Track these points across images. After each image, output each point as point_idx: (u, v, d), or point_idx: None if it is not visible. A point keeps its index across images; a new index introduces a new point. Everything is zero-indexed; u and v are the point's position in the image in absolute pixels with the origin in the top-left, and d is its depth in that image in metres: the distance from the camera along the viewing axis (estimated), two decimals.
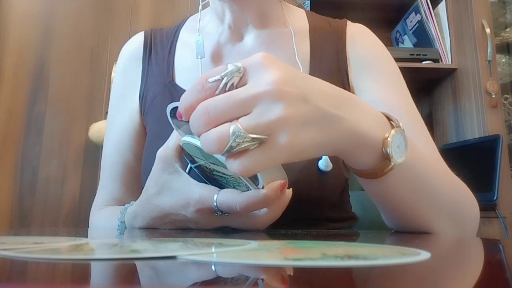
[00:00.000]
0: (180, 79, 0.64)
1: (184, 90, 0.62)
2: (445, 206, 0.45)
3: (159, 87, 0.64)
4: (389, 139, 0.37)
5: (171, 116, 0.41)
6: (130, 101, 0.67)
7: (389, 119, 0.39)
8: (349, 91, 0.60)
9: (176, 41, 0.67)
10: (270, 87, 0.31)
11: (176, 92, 0.63)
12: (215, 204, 0.42)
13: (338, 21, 0.67)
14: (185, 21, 0.71)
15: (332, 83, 0.63)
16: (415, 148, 0.42)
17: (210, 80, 0.33)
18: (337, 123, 0.35)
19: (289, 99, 0.31)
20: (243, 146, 0.31)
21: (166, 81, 0.64)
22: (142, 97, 0.66)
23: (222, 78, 0.32)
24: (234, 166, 0.32)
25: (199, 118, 0.32)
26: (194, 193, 0.43)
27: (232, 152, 0.31)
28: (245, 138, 0.31)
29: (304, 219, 0.57)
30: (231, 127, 0.31)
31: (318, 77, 0.64)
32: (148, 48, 0.68)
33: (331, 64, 0.63)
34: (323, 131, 0.34)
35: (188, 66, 0.64)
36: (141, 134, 0.66)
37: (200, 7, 0.65)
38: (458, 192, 0.48)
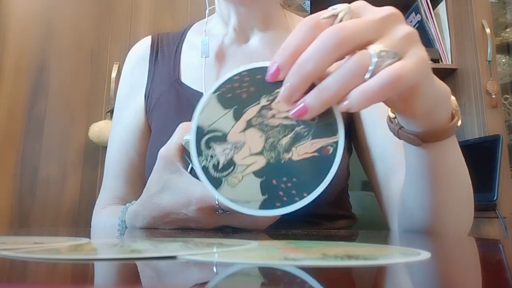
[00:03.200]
0: (186, 78, 0.65)
1: (190, 88, 0.63)
2: (468, 194, 0.45)
3: (165, 86, 0.65)
4: (452, 97, 0.38)
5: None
6: (136, 100, 0.68)
7: None
8: None
9: (183, 42, 0.69)
10: (393, 10, 0.31)
11: (182, 89, 0.64)
12: (216, 202, 0.42)
13: None
14: (191, 25, 0.73)
15: None
16: None
17: (325, 16, 0.30)
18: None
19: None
20: (386, 62, 0.29)
21: (172, 79, 0.65)
22: (147, 96, 0.67)
23: (337, 14, 0.30)
24: (386, 75, 0.28)
25: (328, 39, 0.28)
26: (195, 191, 0.43)
27: (375, 72, 0.28)
28: (387, 53, 0.29)
29: (304, 216, 0.57)
30: (370, 47, 0.29)
31: None
32: (155, 50, 0.69)
33: None
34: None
35: (194, 65, 0.66)
36: (146, 133, 0.67)
37: (207, 11, 0.67)
38: (470, 188, 0.47)
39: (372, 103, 0.29)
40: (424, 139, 0.38)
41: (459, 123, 0.38)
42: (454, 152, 0.41)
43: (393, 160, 0.57)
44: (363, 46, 0.29)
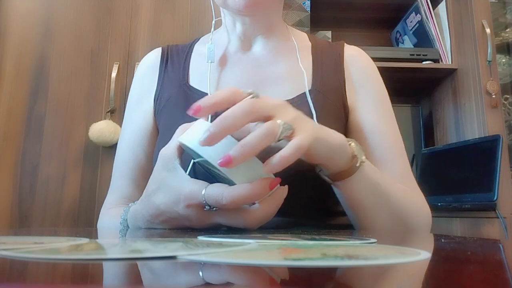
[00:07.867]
0: (194, 81, 0.69)
1: (198, 90, 0.68)
2: (393, 211, 0.55)
3: (175, 89, 0.68)
4: (352, 144, 0.51)
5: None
6: (145, 103, 0.71)
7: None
8: (346, 100, 0.67)
9: (192, 52, 0.74)
10: (284, 103, 0.45)
11: (190, 92, 0.67)
12: (203, 198, 0.42)
13: (336, 43, 0.75)
14: (198, 39, 0.78)
15: (332, 89, 0.70)
16: (371, 166, 0.54)
17: (245, 91, 0.45)
18: (324, 137, 0.46)
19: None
20: (286, 133, 0.41)
21: (181, 83, 0.69)
22: (157, 99, 0.70)
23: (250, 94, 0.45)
24: (294, 146, 0.40)
25: (246, 106, 0.41)
26: (184, 188, 0.44)
27: (280, 139, 0.41)
28: (287, 125, 0.42)
29: (301, 211, 0.57)
30: (276, 119, 0.41)
31: (320, 82, 0.71)
32: (165, 58, 0.73)
33: (330, 74, 0.68)
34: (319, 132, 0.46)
35: (202, 70, 0.69)
36: (154, 135, 0.69)
37: (213, 22, 0.72)
38: (407, 202, 0.58)
39: (287, 164, 0.40)
40: (333, 178, 0.51)
41: (358, 164, 0.50)
42: (365, 186, 0.52)
43: (379, 154, 0.63)
44: (268, 119, 0.42)
